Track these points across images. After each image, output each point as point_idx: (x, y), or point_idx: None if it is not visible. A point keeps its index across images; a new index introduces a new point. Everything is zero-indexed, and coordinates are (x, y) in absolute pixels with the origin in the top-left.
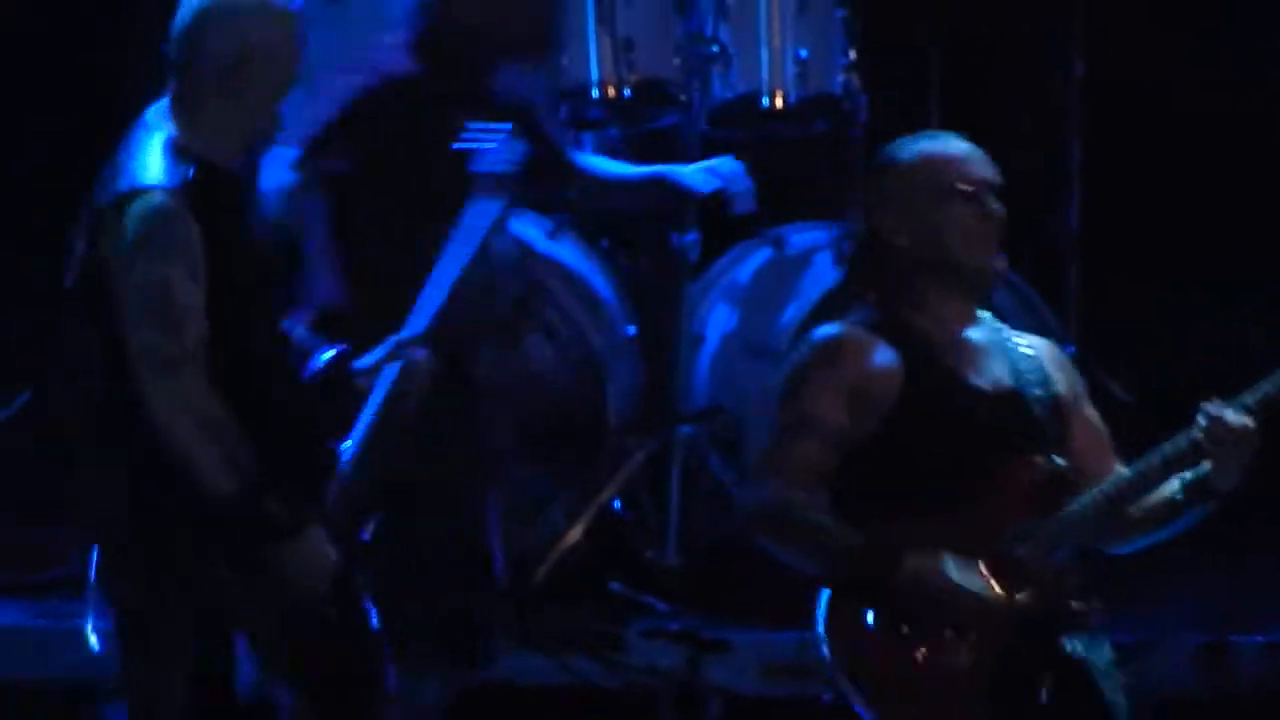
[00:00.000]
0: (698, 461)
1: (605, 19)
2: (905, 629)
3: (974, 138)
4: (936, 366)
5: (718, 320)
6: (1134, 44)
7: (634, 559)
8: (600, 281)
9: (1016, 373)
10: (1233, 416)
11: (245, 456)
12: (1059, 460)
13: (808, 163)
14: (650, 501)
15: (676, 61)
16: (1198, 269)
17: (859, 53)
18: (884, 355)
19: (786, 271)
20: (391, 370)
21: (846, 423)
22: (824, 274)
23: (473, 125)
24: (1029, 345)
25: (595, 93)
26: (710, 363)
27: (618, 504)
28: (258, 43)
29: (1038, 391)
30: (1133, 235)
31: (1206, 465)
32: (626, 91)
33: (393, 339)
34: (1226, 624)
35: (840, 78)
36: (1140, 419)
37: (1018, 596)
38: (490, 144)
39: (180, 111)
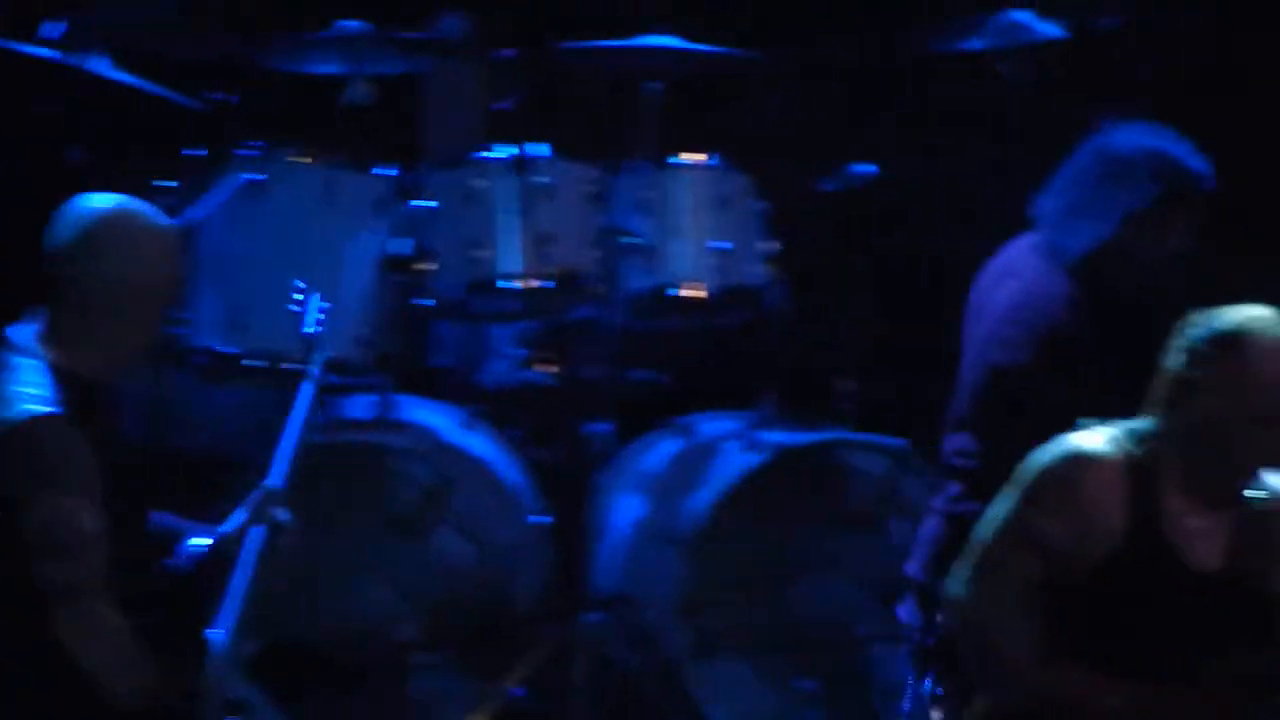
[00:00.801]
0: (603, 649)
1: (525, 211)
2: None
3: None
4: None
5: (627, 509)
6: None
7: None
8: (510, 470)
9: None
10: None
11: (146, 663)
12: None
13: (723, 353)
14: (554, 688)
15: (594, 254)
16: None
17: (778, 243)
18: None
19: (697, 460)
20: (257, 533)
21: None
22: (734, 461)
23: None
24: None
25: (513, 285)
26: (619, 551)
27: (521, 691)
28: (144, 261)
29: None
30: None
31: None
32: (543, 283)
33: (253, 496)
34: None
35: (758, 269)
36: None
37: None
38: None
39: (60, 331)
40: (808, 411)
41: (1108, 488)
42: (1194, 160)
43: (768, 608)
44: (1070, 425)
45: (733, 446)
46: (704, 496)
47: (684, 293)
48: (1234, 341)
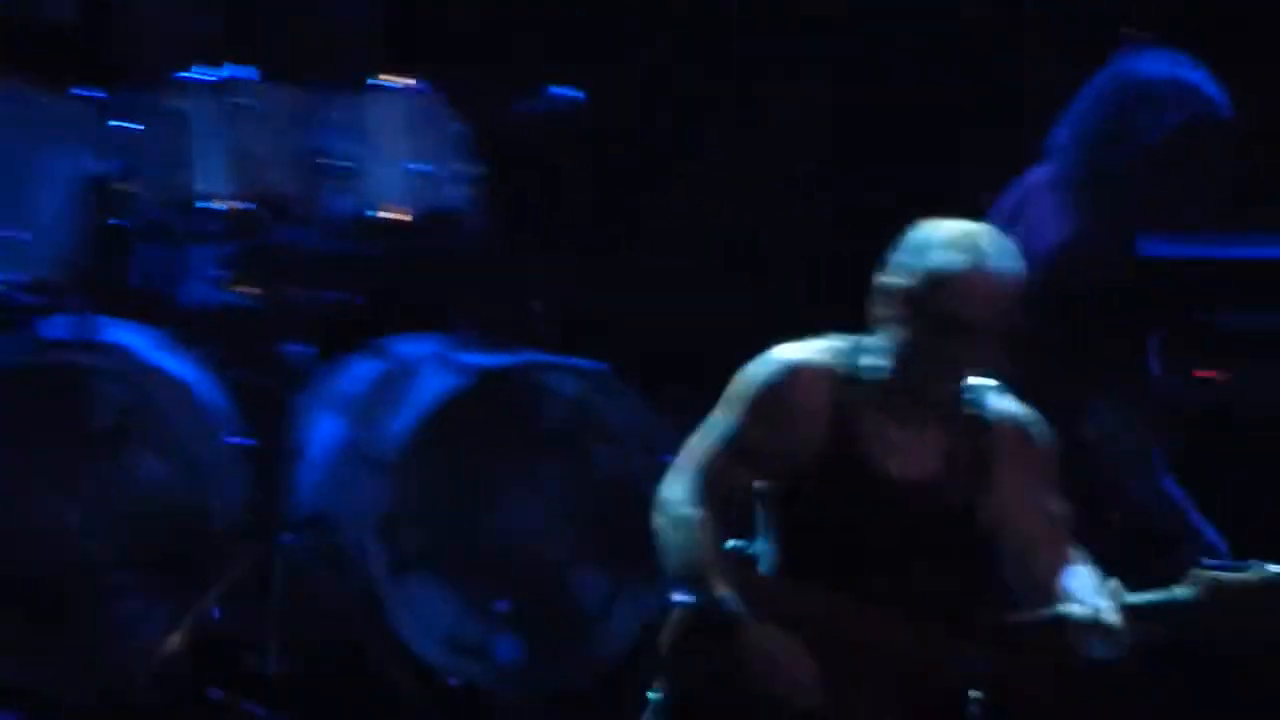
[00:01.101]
0: (300, 569)
1: (227, 134)
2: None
3: (587, 250)
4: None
5: (325, 430)
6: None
7: (235, 665)
8: (209, 391)
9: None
10: (1114, 622)
11: None
12: (938, 574)
13: (421, 274)
14: (251, 608)
15: (294, 176)
16: None
17: (473, 167)
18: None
19: (395, 382)
20: None
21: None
22: (433, 384)
23: None
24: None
25: (212, 205)
26: (316, 472)
27: (218, 611)
28: None
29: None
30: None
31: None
32: (243, 205)
33: None
34: None
35: (455, 192)
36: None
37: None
38: None
39: None
40: (506, 334)
41: (812, 395)
42: (1213, 88)
43: (465, 529)
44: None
45: (431, 368)
46: (402, 418)
47: (384, 215)
48: (921, 250)
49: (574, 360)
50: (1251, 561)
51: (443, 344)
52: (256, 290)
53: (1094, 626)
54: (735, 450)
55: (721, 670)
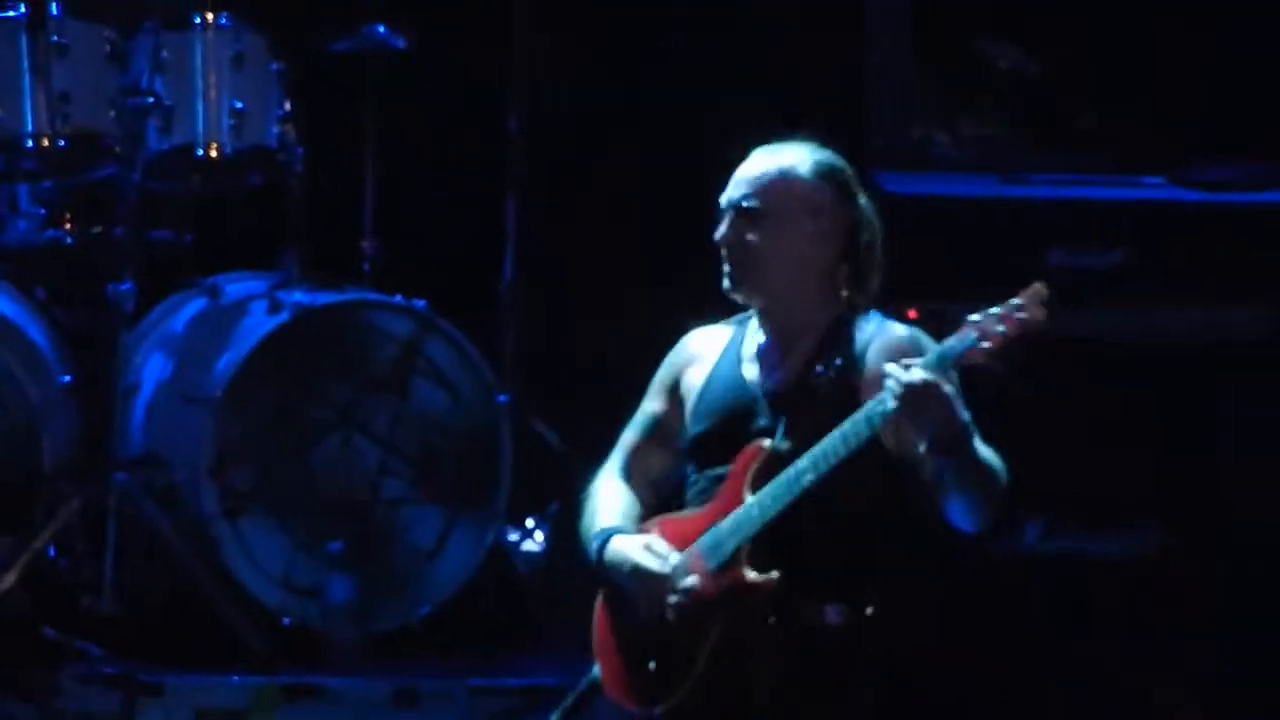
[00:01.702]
0: (133, 508)
1: (40, 71)
2: (612, 601)
3: (404, 192)
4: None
5: (153, 369)
6: (567, 102)
7: (69, 605)
8: (35, 331)
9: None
10: (920, 376)
11: None
12: (782, 443)
13: (243, 213)
14: (85, 548)
15: (112, 114)
16: (631, 319)
17: (294, 105)
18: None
19: (221, 320)
20: None
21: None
22: (260, 322)
23: None
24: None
25: (29, 144)
26: (146, 411)
27: (52, 551)
28: None
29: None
30: (566, 286)
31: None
32: (61, 143)
33: None
34: None
35: (275, 130)
36: (570, 464)
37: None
38: None
39: None
40: (331, 272)
41: (703, 343)
42: None
43: (294, 468)
44: None
45: (256, 307)
46: (228, 357)
47: (202, 153)
48: None
49: (400, 299)
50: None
51: (269, 282)
52: (76, 228)
53: (906, 397)
54: (647, 430)
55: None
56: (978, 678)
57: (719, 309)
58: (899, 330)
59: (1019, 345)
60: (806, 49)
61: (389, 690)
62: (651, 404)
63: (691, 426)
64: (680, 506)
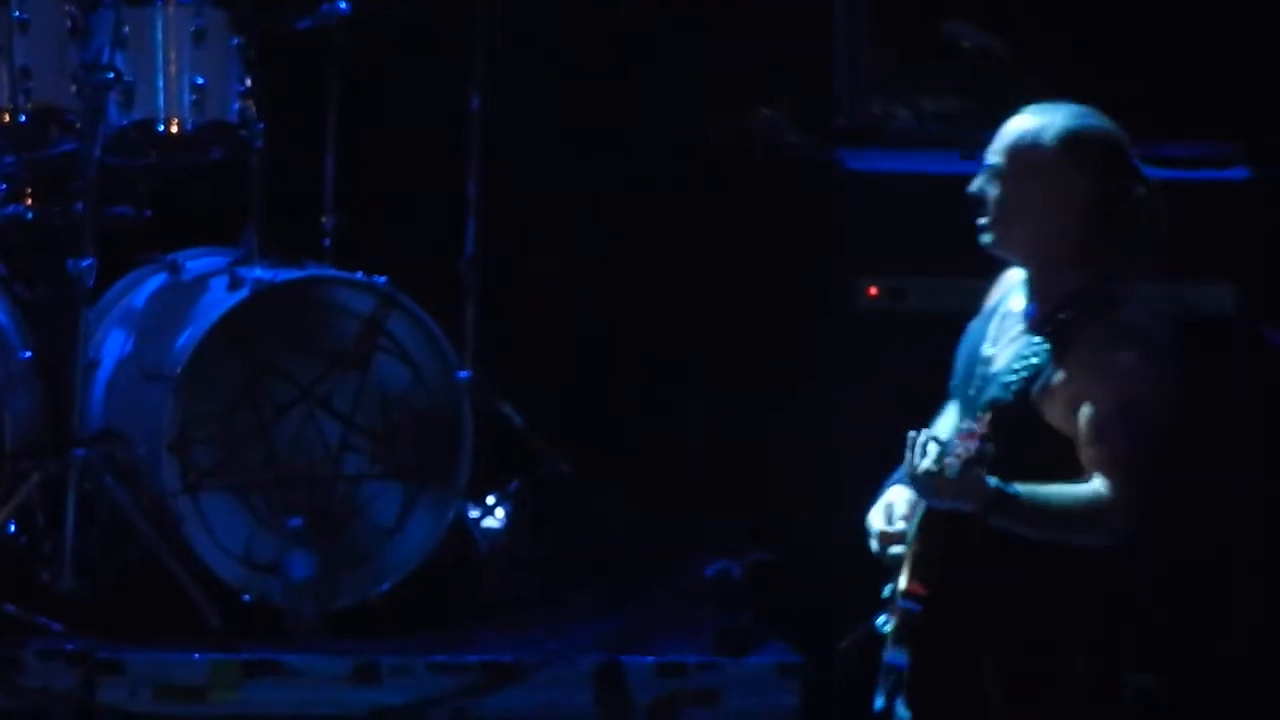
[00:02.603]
0: (93, 484)
1: (1, 46)
2: None
3: (370, 167)
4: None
5: (114, 345)
6: (531, 80)
7: (28, 581)
8: None
9: None
10: (922, 469)
11: None
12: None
13: (204, 189)
14: (45, 524)
15: (73, 89)
16: (589, 299)
17: (255, 80)
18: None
19: (182, 297)
20: None
21: None
22: (220, 298)
23: None
24: None
25: None
26: (106, 387)
27: (12, 527)
28: None
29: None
30: (527, 265)
31: None
32: (22, 118)
33: None
34: (620, 644)
35: (236, 105)
36: (536, 442)
37: None
38: None
39: None
40: (292, 249)
41: (1002, 284)
42: None
43: (255, 445)
44: None
45: (217, 284)
46: (189, 334)
47: (163, 128)
48: None
49: (362, 276)
50: None
51: (229, 258)
52: (36, 204)
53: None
54: None
55: None
56: None
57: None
58: (1117, 323)
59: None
60: (771, 25)
61: (349, 666)
62: None
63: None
64: None
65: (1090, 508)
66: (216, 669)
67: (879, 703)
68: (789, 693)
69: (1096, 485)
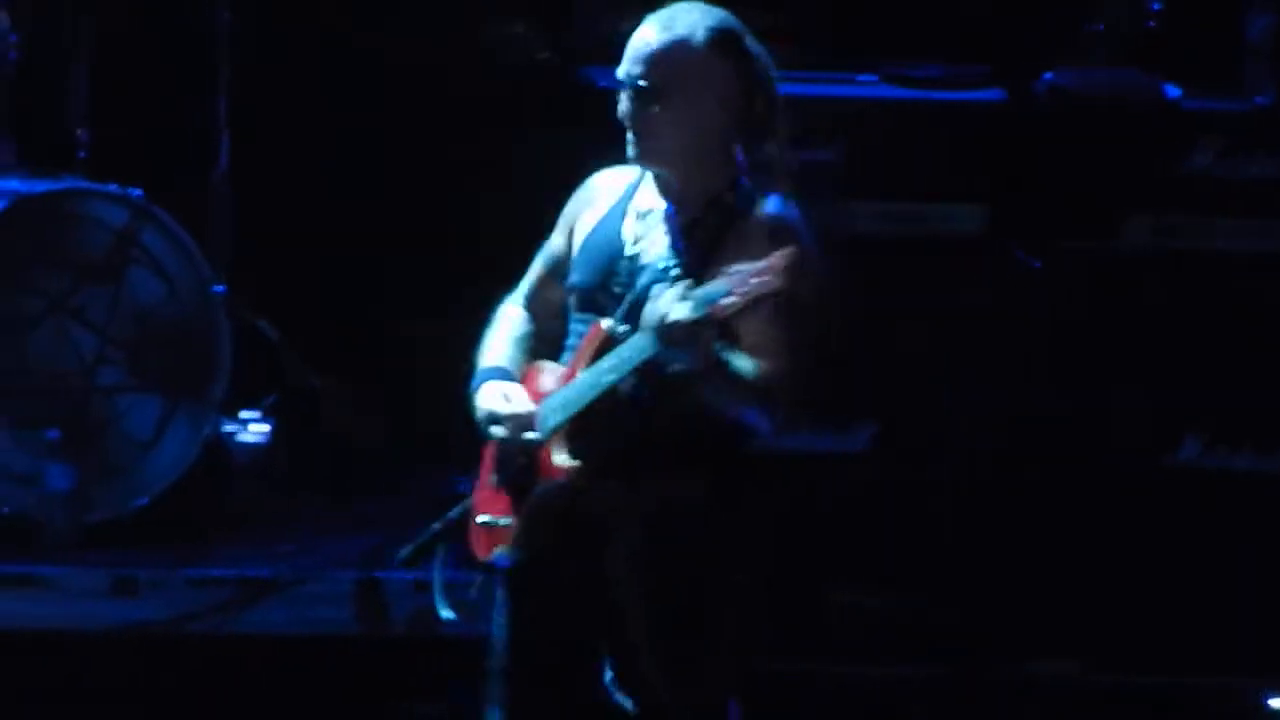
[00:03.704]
0: None
1: None
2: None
3: (119, 80)
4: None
5: None
6: None
7: None
8: None
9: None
10: (677, 317)
11: None
12: (619, 327)
13: None
14: None
15: None
16: (349, 207)
17: None
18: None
19: None
20: None
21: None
22: None
23: None
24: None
25: None
26: None
27: None
28: None
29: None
30: (283, 178)
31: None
32: None
33: None
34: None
35: None
36: (290, 357)
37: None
38: None
39: None
40: (44, 160)
41: (604, 187)
42: None
43: (9, 356)
44: None
45: None
46: None
47: None
48: None
49: (116, 188)
50: None
51: None
52: None
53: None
54: (548, 263)
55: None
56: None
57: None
58: (767, 215)
59: (753, 306)
60: None
61: (107, 580)
62: (555, 238)
63: (571, 274)
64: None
65: (759, 384)
66: None
67: (447, 613)
68: None
69: (764, 364)
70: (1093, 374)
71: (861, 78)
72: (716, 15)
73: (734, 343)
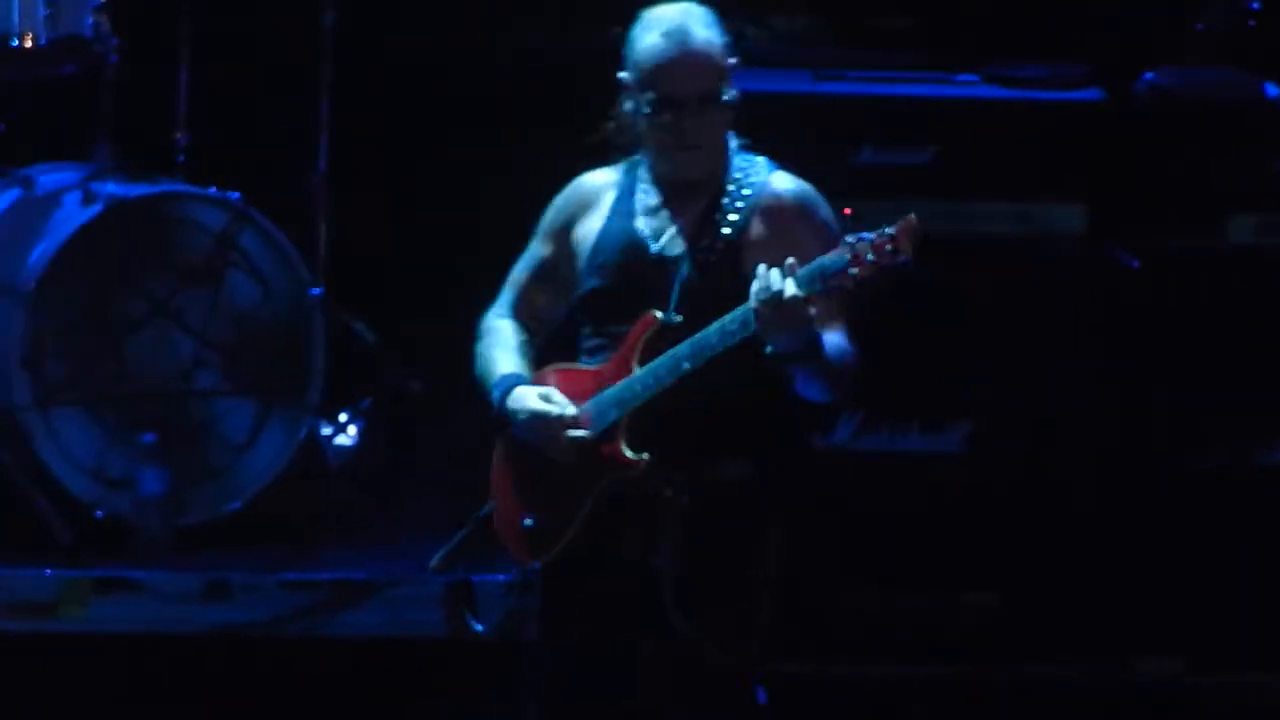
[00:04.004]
0: None
1: None
2: (510, 450)
3: (218, 84)
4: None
5: None
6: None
7: None
8: None
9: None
10: (790, 292)
11: None
12: (674, 317)
13: (58, 103)
14: None
15: None
16: (442, 219)
17: None
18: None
19: (35, 212)
20: None
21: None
22: (73, 214)
23: None
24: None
25: None
26: None
27: None
28: None
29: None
30: (380, 184)
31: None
32: None
33: None
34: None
35: (90, 20)
36: (387, 359)
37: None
38: None
39: None
40: (145, 164)
41: (592, 189)
42: None
43: (108, 360)
44: None
45: (70, 199)
46: (42, 248)
47: (16, 43)
48: (634, 42)
49: (214, 191)
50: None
51: (83, 174)
52: None
53: (768, 308)
54: (535, 272)
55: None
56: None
57: (531, 204)
58: (785, 190)
59: (882, 277)
60: None
61: (200, 583)
62: (541, 247)
63: (586, 280)
64: (571, 356)
65: (850, 360)
66: (67, 585)
67: (478, 625)
68: None
69: (844, 340)
70: (1193, 373)
71: (961, 77)
72: (711, 14)
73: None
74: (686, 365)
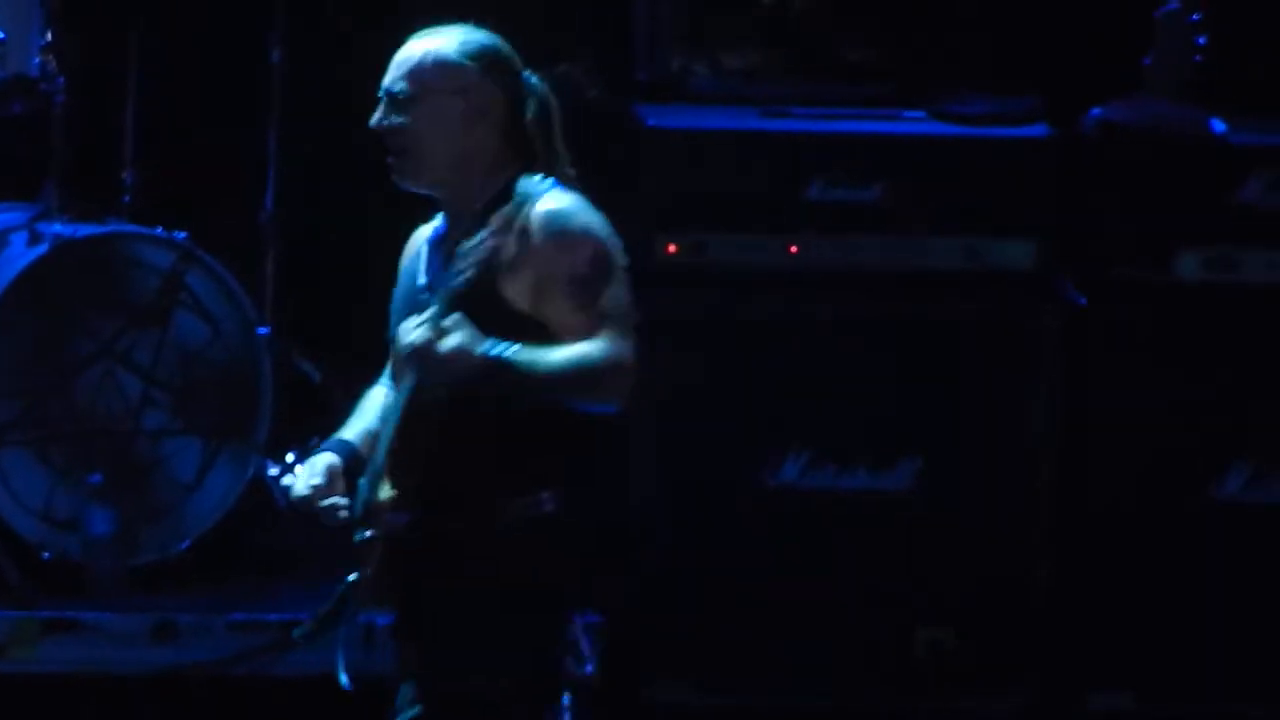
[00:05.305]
0: None
1: None
2: None
3: (165, 124)
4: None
5: None
6: (332, 35)
7: None
8: None
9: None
10: (412, 338)
11: None
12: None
13: (4, 143)
14: None
15: None
16: (392, 256)
17: (56, 34)
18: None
19: None
20: None
21: None
22: (20, 254)
23: None
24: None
25: None
26: None
27: None
28: None
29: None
30: (329, 221)
31: None
32: None
33: None
34: None
35: (37, 59)
36: (331, 398)
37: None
38: None
39: None
40: (92, 204)
41: (416, 238)
42: None
43: (56, 400)
44: None
45: (16, 239)
46: None
47: None
48: None
49: (161, 231)
50: None
51: (28, 214)
52: None
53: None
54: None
55: None
56: None
57: None
58: (540, 212)
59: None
60: None
61: (148, 624)
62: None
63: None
64: None
65: (588, 363)
66: (14, 626)
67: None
68: None
69: (587, 345)
70: (1143, 408)
71: (908, 114)
72: (480, 34)
73: (542, 336)
74: (388, 428)
